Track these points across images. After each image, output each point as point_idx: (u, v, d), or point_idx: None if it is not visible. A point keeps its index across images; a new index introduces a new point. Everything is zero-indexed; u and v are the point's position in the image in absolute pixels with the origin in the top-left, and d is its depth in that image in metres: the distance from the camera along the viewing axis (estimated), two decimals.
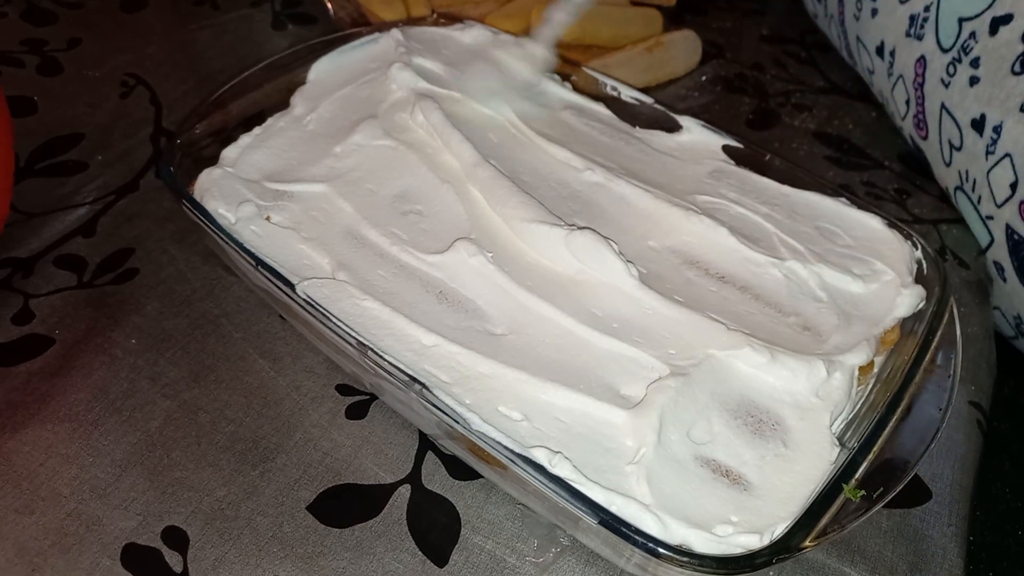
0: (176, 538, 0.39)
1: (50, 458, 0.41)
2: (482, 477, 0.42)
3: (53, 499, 0.40)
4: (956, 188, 0.59)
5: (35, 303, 0.49)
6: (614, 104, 0.55)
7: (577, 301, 0.42)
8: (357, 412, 0.45)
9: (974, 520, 0.44)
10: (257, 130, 0.51)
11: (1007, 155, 0.51)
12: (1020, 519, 0.48)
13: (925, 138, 0.61)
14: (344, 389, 0.46)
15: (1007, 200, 0.53)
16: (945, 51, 0.57)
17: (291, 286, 0.41)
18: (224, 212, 0.44)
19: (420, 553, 0.39)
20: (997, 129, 0.52)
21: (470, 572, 0.39)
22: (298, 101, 0.53)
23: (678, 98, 0.70)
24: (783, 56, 0.76)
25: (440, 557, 0.39)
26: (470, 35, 0.59)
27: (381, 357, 0.38)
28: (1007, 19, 0.52)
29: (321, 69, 0.55)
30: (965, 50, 0.55)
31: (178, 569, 0.38)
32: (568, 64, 0.58)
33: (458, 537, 0.40)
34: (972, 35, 0.54)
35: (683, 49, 0.72)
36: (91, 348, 0.46)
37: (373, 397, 0.45)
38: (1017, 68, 0.51)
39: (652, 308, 0.41)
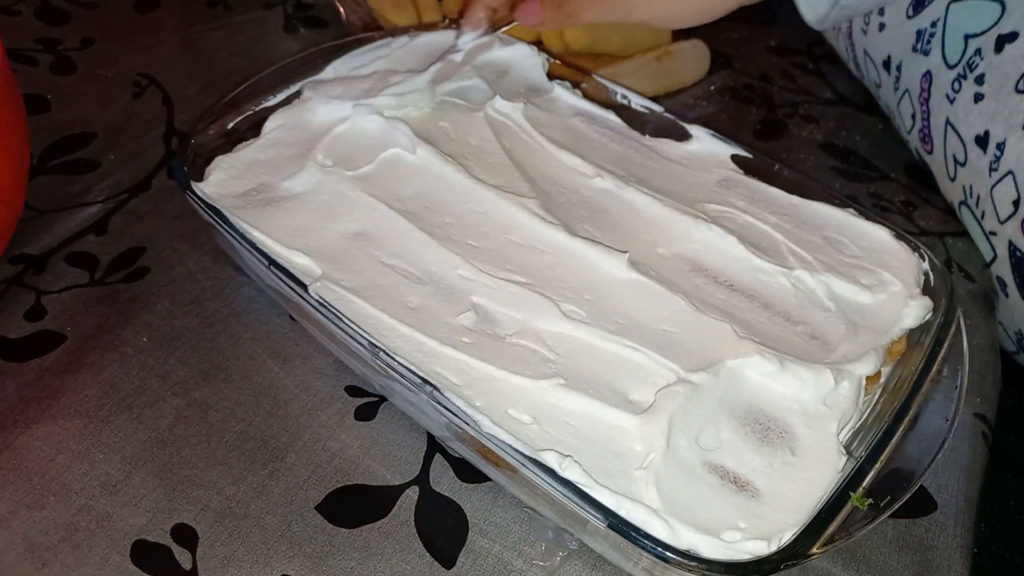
0: (185, 535, 0.39)
1: (60, 454, 0.42)
2: (490, 480, 0.42)
3: (63, 495, 0.40)
4: (961, 203, 0.59)
5: (47, 300, 0.49)
6: (624, 112, 0.56)
7: (587, 306, 0.42)
8: (366, 414, 0.45)
9: (979, 532, 0.44)
10: (268, 126, 0.51)
11: (1010, 172, 0.52)
12: None
13: (931, 152, 0.61)
14: (353, 391, 0.46)
15: (1010, 217, 0.53)
16: (951, 67, 0.57)
17: (303, 287, 0.41)
18: (235, 210, 0.45)
19: (428, 555, 0.39)
20: (1000, 146, 0.52)
21: (477, 575, 0.39)
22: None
23: (686, 107, 0.70)
24: (791, 67, 0.77)
25: (447, 559, 0.39)
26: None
27: (392, 358, 0.38)
28: (1012, 37, 0.53)
29: (336, 70, 0.55)
30: (970, 66, 0.55)
31: (187, 566, 0.38)
32: (579, 72, 0.58)
33: (465, 540, 0.40)
34: (978, 52, 0.55)
35: (692, 58, 0.72)
36: (102, 345, 0.47)
37: (382, 399, 0.45)
38: (1021, 86, 0.51)
39: (661, 314, 0.41)
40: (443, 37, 0.60)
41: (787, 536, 0.33)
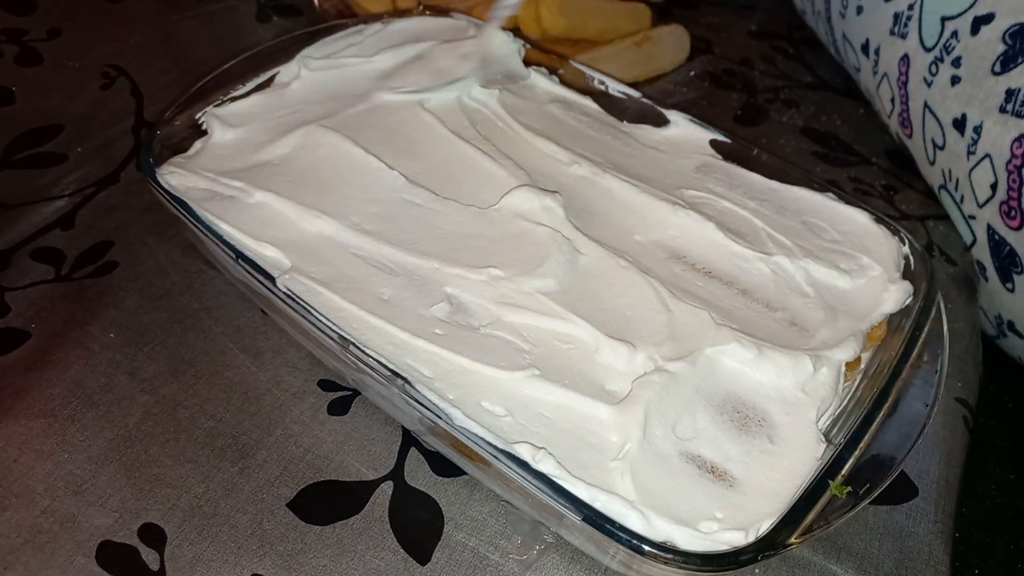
0: (153, 535, 0.38)
1: (24, 454, 0.41)
2: (465, 474, 0.41)
3: (27, 496, 0.39)
4: (940, 187, 0.59)
5: (11, 296, 0.48)
6: (601, 98, 0.55)
7: (563, 294, 0.41)
8: (339, 408, 0.44)
9: (960, 517, 0.44)
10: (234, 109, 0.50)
11: (987, 156, 0.51)
12: (1005, 516, 0.48)
13: (910, 136, 0.61)
14: (326, 385, 0.45)
15: (988, 200, 0.52)
16: (928, 50, 0.57)
17: (272, 279, 0.40)
18: (203, 202, 0.44)
19: (402, 551, 0.39)
20: (977, 129, 0.52)
21: (453, 570, 0.38)
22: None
23: (666, 93, 0.70)
24: (771, 52, 0.76)
25: (422, 555, 0.39)
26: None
27: (363, 351, 0.37)
28: (988, 18, 0.52)
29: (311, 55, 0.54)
30: (947, 49, 0.55)
31: (155, 567, 0.37)
32: (556, 58, 0.57)
33: (441, 534, 0.39)
34: (954, 34, 0.54)
35: (671, 44, 0.71)
36: (68, 342, 0.46)
37: (355, 393, 0.45)
38: (997, 68, 0.51)
39: (638, 302, 0.41)
40: (418, 24, 0.59)
41: (765, 526, 0.33)
